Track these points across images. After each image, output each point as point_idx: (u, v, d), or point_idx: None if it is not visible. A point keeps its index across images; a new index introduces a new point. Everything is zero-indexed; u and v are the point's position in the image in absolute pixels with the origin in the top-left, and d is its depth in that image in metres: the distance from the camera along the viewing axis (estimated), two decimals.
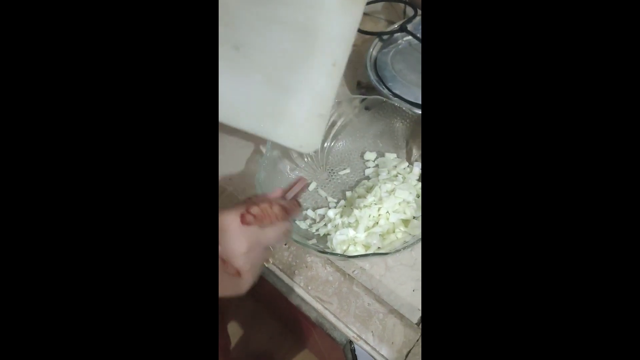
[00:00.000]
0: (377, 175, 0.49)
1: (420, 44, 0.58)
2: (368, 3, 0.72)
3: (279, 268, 0.45)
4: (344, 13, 0.31)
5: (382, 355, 0.38)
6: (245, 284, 0.28)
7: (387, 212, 0.45)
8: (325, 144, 0.53)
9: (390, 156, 0.51)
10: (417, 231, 0.43)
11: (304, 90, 0.30)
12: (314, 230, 0.47)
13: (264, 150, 0.56)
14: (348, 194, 0.49)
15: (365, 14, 0.75)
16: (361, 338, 0.40)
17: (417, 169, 0.48)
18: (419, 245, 0.41)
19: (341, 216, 0.47)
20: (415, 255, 0.44)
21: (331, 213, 0.47)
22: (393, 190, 0.45)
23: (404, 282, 0.42)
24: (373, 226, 0.44)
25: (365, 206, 0.45)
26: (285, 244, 0.47)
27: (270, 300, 0.85)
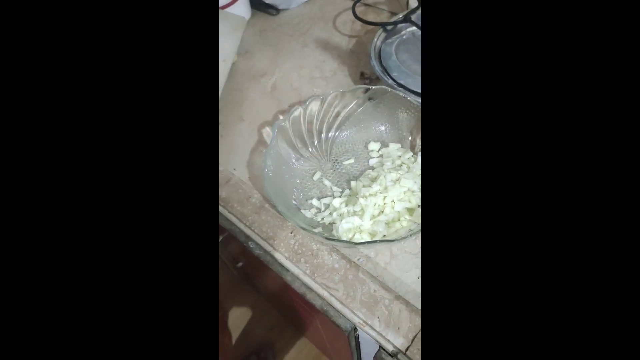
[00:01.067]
0: (382, 165, 0.50)
1: None
2: None
3: (284, 256, 0.46)
4: (229, 36, 0.62)
5: (389, 341, 0.39)
6: None
7: (393, 200, 0.45)
8: (330, 134, 0.53)
9: (395, 146, 0.52)
10: None
11: None
12: (319, 219, 0.47)
13: (267, 140, 0.56)
14: (353, 183, 0.50)
15: (368, 5, 0.75)
16: (367, 324, 0.40)
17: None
18: None
19: (346, 205, 0.47)
20: (419, 243, 0.44)
21: (336, 202, 0.48)
22: (398, 180, 0.46)
23: (409, 269, 0.43)
24: (378, 214, 0.45)
25: (370, 195, 0.46)
26: (292, 232, 0.47)
27: (272, 291, 0.85)
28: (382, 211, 0.45)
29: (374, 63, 0.55)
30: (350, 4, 0.76)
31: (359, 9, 0.66)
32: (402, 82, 0.52)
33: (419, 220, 0.44)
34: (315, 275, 0.44)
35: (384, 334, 0.39)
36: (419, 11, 0.60)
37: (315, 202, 0.49)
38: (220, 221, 0.52)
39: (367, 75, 0.61)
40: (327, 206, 0.48)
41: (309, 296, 0.47)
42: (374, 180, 0.47)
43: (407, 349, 0.38)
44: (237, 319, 1.17)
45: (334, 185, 0.50)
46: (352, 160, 0.52)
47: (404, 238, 0.39)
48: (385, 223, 0.44)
